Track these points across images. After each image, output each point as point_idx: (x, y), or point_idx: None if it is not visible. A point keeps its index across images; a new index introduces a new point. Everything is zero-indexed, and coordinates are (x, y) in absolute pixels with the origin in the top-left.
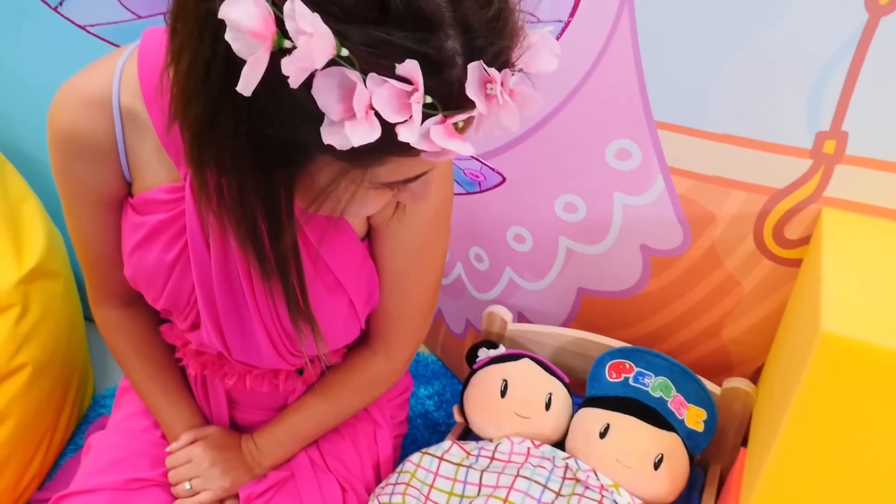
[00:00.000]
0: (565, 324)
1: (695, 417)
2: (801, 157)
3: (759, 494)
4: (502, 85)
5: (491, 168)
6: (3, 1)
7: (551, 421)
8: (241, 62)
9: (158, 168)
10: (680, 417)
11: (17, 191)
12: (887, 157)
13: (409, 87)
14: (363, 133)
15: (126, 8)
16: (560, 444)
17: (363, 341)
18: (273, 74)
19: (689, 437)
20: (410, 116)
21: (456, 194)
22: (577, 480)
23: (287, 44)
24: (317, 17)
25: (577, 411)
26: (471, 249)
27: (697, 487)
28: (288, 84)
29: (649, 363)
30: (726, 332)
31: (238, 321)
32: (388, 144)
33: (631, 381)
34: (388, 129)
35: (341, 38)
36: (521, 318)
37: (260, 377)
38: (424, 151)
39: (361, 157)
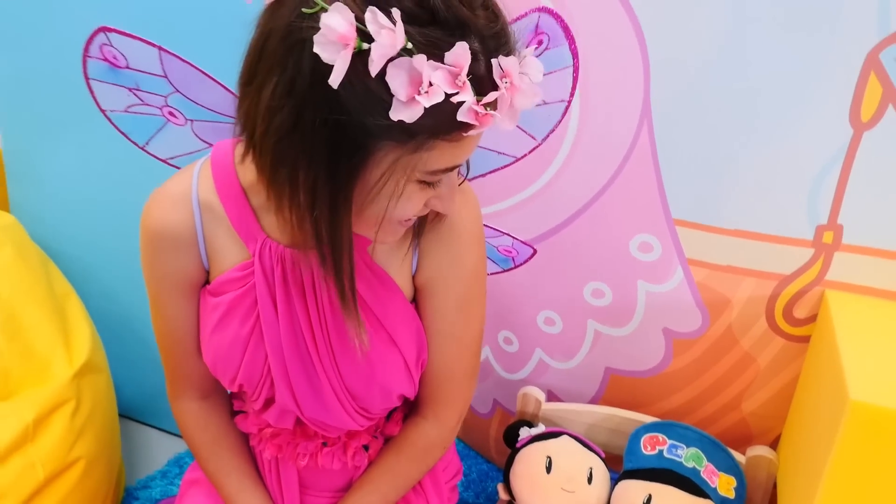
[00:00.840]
0: (593, 401)
1: (726, 485)
2: (803, 246)
3: None
4: (513, 72)
5: (522, 241)
6: (51, 109)
7: (594, 494)
8: (324, 69)
9: (231, 251)
10: (713, 486)
11: (62, 288)
12: (878, 245)
13: (456, 69)
14: (433, 98)
15: (200, 139)
16: None
17: (414, 410)
18: (352, 71)
19: None
20: (462, 88)
21: (491, 273)
22: None
23: (364, 46)
24: (400, 23)
25: (616, 484)
26: (499, 333)
27: None
28: (363, 78)
29: (681, 435)
30: (745, 405)
31: (307, 380)
32: (439, 125)
33: (665, 453)
34: (440, 110)
35: (409, 36)
36: (550, 396)
37: (330, 455)
38: (466, 128)
39: (417, 138)
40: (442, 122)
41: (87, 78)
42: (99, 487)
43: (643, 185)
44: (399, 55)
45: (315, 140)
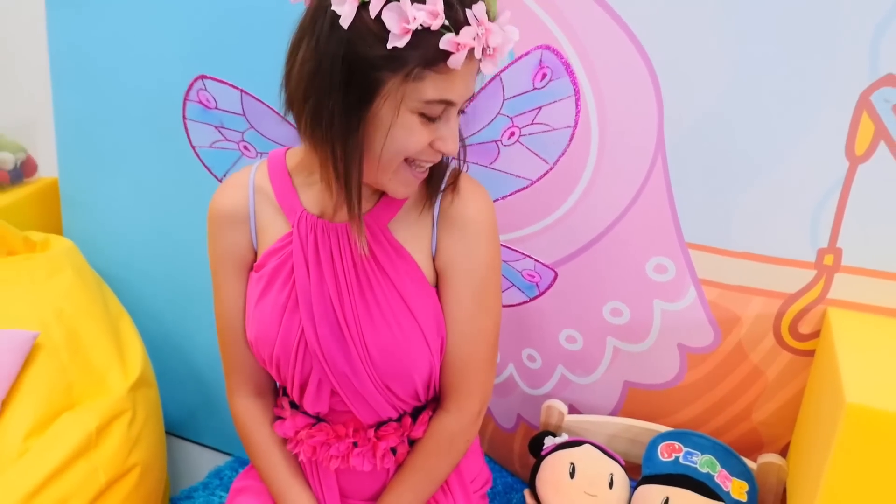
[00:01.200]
0: (613, 413)
1: (738, 489)
2: (806, 268)
3: None
4: (487, 22)
5: (543, 264)
6: (110, 144)
7: (615, 497)
8: (339, 23)
9: (275, 226)
10: (726, 490)
11: (115, 309)
12: (874, 266)
13: (434, 9)
14: (419, 18)
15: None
16: None
17: (437, 406)
18: (357, 18)
19: None
20: (441, 25)
21: (514, 305)
22: None
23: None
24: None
25: (636, 488)
26: (523, 351)
27: None
28: (366, 21)
29: (695, 443)
30: (755, 416)
31: (334, 341)
32: (427, 55)
33: (681, 460)
34: (425, 42)
35: None
36: (572, 409)
37: (360, 456)
38: (450, 57)
39: (410, 68)
40: (428, 53)
41: (184, 119)
42: (151, 494)
43: (658, 212)
44: (389, 1)
45: (333, 76)
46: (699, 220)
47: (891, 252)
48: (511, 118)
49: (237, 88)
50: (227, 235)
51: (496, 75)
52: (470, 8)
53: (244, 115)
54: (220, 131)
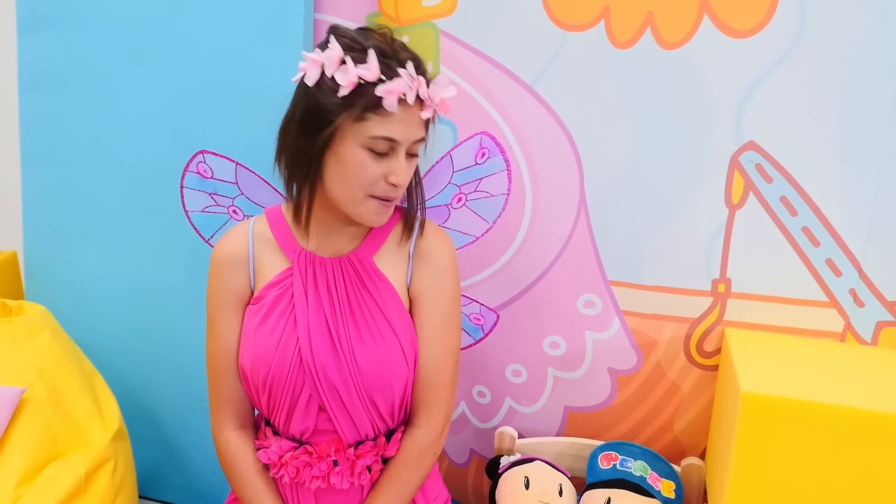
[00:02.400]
0: (556, 435)
1: (668, 488)
2: (705, 296)
3: None
4: (419, 77)
5: (487, 307)
6: (78, 217)
7: (564, 503)
8: (307, 86)
9: (273, 264)
10: (657, 489)
11: (88, 368)
12: (757, 291)
13: (372, 68)
14: (359, 76)
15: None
16: None
17: (408, 423)
18: (320, 80)
19: (667, 503)
20: (376, 79)
21: (464, 348)
22: None
23: (325, 65)
24: (337, 46)
25: (582, 494)
26: (473, 388)
27: None
28: (325, 81)
29: (629, 452)
30: (676, 426)
31: (328, 357)
32: (369, 102)
33: (618, 466)
34: (366, 92)
35: (346, 54)
36: (520, 436)
37: (340, 475)
38: (384, 101)
39: (357, 111)
40: (370, 99)
41: (182, 187)
42: None
43: (584, 256)
44: (340, 65)
45: (302, 122)
46: (618, 261)
47: (768, 279)
48: (459, 186)
49: (233, 161)
50: (228, 277)
51: (447, 153)
52: (403, 66)
53: (237, 183)
54: (212, 197)
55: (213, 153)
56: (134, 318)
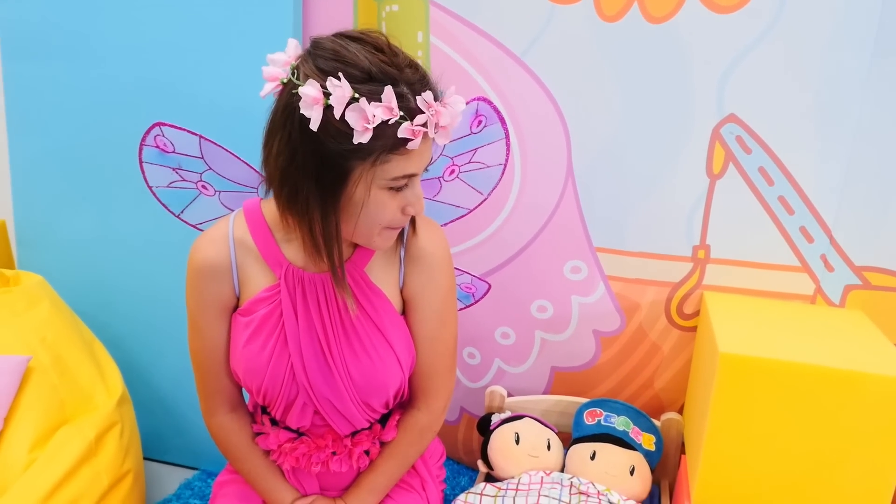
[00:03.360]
0: (543, 394)
1: (648, 441)
2: (685, 261)
3: (699, 481)
4: (436, 104)
5: (479, 278)
6: (69, 185)
7: (552, 457)
8: (307, 122)
9: (258, 277)
10: (639, 442)
11: (87, 336)
12: (736, 257)
13: (389, 105)
14: (371, 130)
15: (225, 206)
16: (561, 472)
17: (408, 403)
18: (325, 118)
19: (647, 455)
20: (397, 117)
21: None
22: (581, 493)
23: (330, 101)
24: (346, 83)
25: (569, 448)
26: (464, 349)
27: (656, 498)
28: (332, 122)
29: (612, 408)
30: (657, 384)
31: (321, 374)
32: (388, 143)
33: (602, 422)
34: (385, 133)
35: (355, 89)
36: (508, 395)
37: (338, 462)
38: (406, 142)
39: (375, 155)
40: (389, 141)
41: (140, 162)
42: (141, 498)
43: (571, 223)
44: (350, 103)
45: (306, 168)
46: (603, 229)
47: (745, 245)
48: (452, 158)
49: (195, 134)
50: (209, 287)
51: None
52: (420, 95)
53: (202, 157)
54: (177, 172)
55: (172, 125)
56: (129, 283)
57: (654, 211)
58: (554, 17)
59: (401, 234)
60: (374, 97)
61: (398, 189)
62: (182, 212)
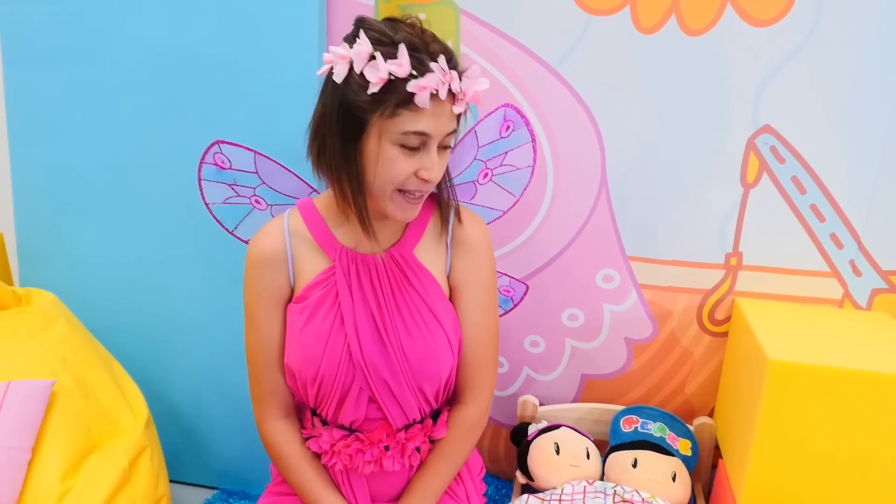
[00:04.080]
0: (573, 402)
1: (685, 447)
2: (717, 269)
3: (747, 487)
4: (452, 72)
5: (516, 279)
6: (77, 198)
7: (592, 466)
8: (336, 83)
9: (313, 263)
10: (675, 447)
11: (105, 355)
12: (767, 264)
13: (403, 63)
14: (389, 72)
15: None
16: (601, 481)
17: (455, 401)
18: (348, 76)
19: (685, 460)
20: (407, 74)
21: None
22: (626, 501)
23: (352, 57)
24: (366, 41)
25: (607, 457)
26: None
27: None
28: (354, 77)
29: (648, 415)
30: (688, 388)
31: (377, 352)
32: (400, 98)
33: (639, 429)
34: (398, 88)
35: (375, 48)
36: (540, 404)
37: (391, 459)
38: (416, 97)
39: (387, 107)
40: (400, 95)
41: (199, 180)
42: None
43: (604, 232)
44: (370, 60)
45: (332, 119)
46: (637, 237)
47: (776, 252)
48: (484, 162)
49: (251, 150)
50: (267, 276)
51: (471, 129)
52: (435, 60)
53: (257, 172)
54: (233, 188)
55: (230, 143)
56: (139, 299)
57: (688, 220)
58: (590, 28)
59: (445, 220)
60: (392, 56)
61: (411, 149)
62: (236, 227)
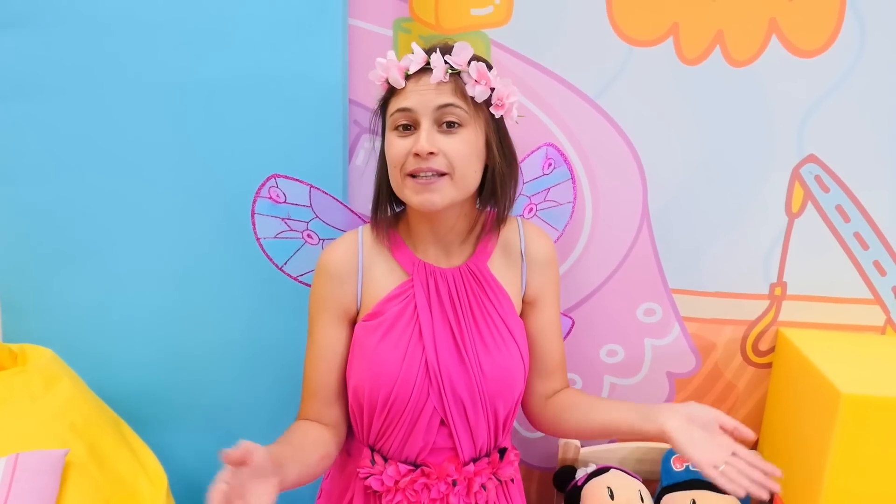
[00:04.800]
0: (611, 441)
1: None
2: (762, 299)
3: None
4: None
5: (563, 314)
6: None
7: None
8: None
9: (387, 277)
10: None
11: (112, 415)
12: (809, 293)
13: (389, 57)
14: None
15: None
16: None
17: (552, 397)
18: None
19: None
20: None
21: None
22: None
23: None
24: (392, 55)
25: (660, 498)
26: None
27: None
28: (382, 87)
29: None
30: None
31: (455, 365)
32: (388, 90)
33: (690, 467)
34: (389, 85)
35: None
36: (581, 444)
37: (457, 496)
38: (389, 77)
39: (384, 101)
40: (388, 88)
41: (252, 214)
42: None
43: (646, 265)
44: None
45: (376, 127)
46: (680, 269)
47: (820, 281)
48: (529, 197)
49: (306, 184)
50: (332, 287)
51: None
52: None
53: (311, 206)
54: (286, 223)
55: (286, 177)
56: (140, 353)
57: (732, 250)
58: (631, 59)
59: (513, 233)
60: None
61: (403, 128)
62: (286, 263)
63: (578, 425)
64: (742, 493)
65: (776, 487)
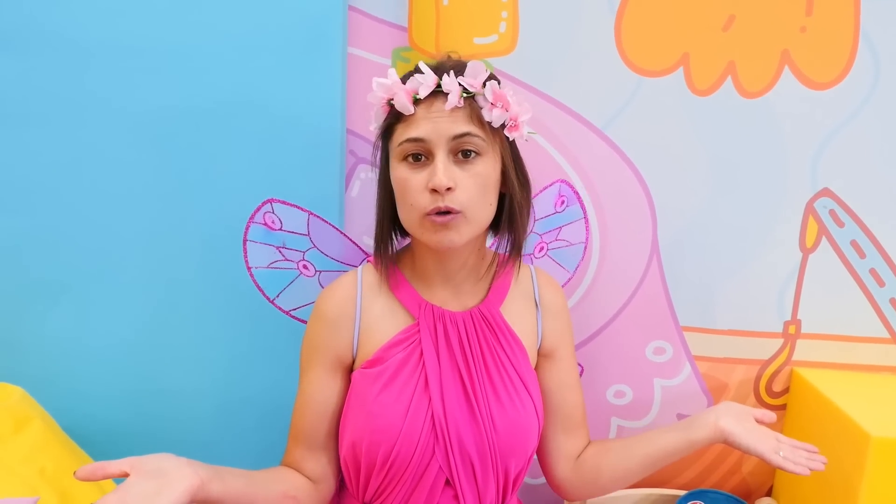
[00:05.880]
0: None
1: None
2: (776, 337)
3: None
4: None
5: None
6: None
7: None
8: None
9: (391, 320)
10: None
11: (86, 459)
12: (824, 331)
13: (392, 78)
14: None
15: (321, 285)
16: None
17: (577, 454)
18: (379, 113)
19: None
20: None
21: None
22: None
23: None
24: (392, 74)
25: None
26: None
27: None
28: (381, 113)
29: (711, 499)
30: (745, 467)
31: (464, 416)
32: (393, 115)
33: None
34: (393, 111)
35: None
36: None
37: None
38: (396, 104)
39: (388, 129)
40: (393, 113)
41: (245, 241)
42: None
43: (655, 302)
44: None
45: (375, 158)
46: (691, 306)
47: (835, 319)
48: (541, 235)
49: (305, 210)
50: (326, 335)
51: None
52: (413, 75)
53: (308, 235)
54: (280, 251)
55: (283, 202)
56: (116, 394)
57: (745, 287)
58: (640, 89)
59: (527, 278)
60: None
61: (414, 159)
62: (277, 296)
63: (620, 465)
64: (807, 472)
65: (823, 461)
